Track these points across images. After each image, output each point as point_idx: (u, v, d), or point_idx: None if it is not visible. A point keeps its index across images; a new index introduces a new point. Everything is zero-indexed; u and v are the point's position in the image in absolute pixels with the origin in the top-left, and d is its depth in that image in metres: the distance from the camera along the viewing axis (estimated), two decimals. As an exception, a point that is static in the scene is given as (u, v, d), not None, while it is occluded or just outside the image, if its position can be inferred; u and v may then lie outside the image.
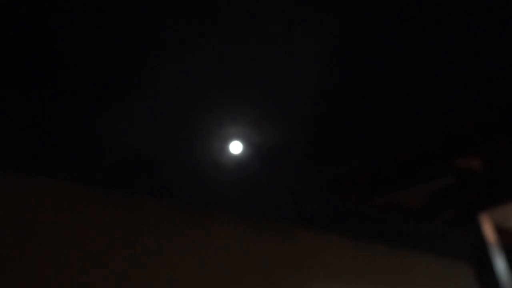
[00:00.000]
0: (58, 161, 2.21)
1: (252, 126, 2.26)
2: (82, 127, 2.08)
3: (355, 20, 1.65)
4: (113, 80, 1.84)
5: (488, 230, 2.43)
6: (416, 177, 2.45)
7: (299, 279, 3.36)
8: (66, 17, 1.50)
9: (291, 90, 2.04)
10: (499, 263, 2.30)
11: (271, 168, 2.58)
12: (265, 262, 3.21)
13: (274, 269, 3.24)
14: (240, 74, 1.90)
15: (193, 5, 1.53)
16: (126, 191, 2.67)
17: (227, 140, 2.33)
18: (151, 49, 1.71)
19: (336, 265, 3.75)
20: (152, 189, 2.56)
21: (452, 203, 2.66)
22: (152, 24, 1.59)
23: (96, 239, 2.42)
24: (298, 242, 3.54)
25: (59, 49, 1.66)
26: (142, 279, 2.49)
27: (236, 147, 2.39)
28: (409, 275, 4.56)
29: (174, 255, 2.70)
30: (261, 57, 1.80)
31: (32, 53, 1.63)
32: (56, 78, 1.81)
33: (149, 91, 1.91)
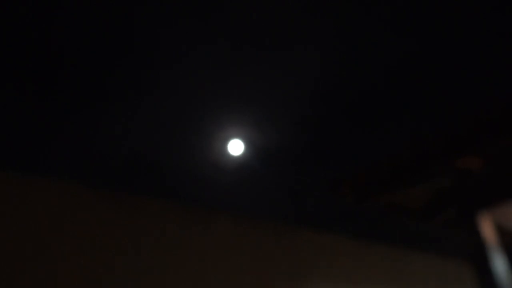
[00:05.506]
0: (58, 161, 2.22)
1: (253, 126, 2.26)
2: (82, 127, 2.09)
3: (355, 22, 1.64)
4: (113, 80, 1.84)
5: (488, 230, 2.43)
6: (416, 177, 2.45)
7: (299, 279, 3.37)
8: (66, 17, 1.50)
9: (292, 91, 2.04)
10: (499, 263, 2.31)
11: (271, 168, 2.59)
12: (265, 262, 3.21)
13: (274, 269, 3.24)
14: (240, 74, 1.89)
15: (193, 5, 1.53)
16: (126, 191, 2.67)
17: (227, 140, 2.34)
18: (151, 50, 1.70)
19: (336, 265, 3.75)
20: (152, 189, 2.57)
21: (452, 203, 2.66)
22: (152, 24, 1.59)
23: (96, 239, 2.42)
24: (298, 242, 3.54)
25: (59, 49, 1.66)
26: (142, 279, 2.49)
27: (236, 147, 2.40)
28: (409, 275, 4.56)
29: (174, 255, 2.70)
30: (262, 58, 1.80)
31: (32, 53, 1.63)
32: (55, 78, 1.81)
33: (149, 91, 1.91)
